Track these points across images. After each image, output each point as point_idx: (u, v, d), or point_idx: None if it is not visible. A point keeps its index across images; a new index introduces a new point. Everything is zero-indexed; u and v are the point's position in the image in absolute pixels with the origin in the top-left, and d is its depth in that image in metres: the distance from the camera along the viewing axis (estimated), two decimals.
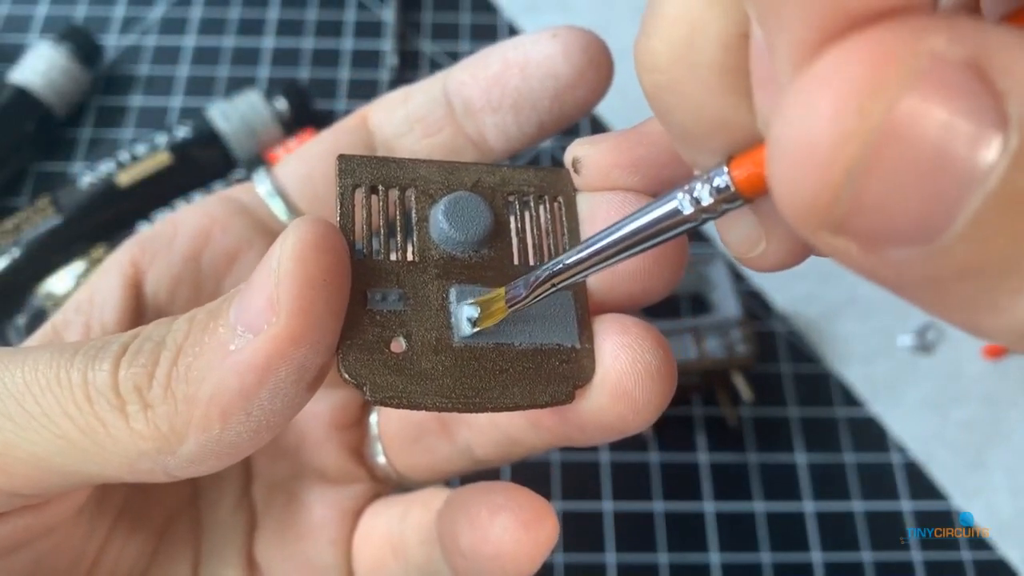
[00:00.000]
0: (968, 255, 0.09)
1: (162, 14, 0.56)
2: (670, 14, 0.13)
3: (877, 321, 0.47)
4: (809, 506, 0.42)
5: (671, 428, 0.43)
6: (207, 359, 0.15)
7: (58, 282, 0.43)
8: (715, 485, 0.42)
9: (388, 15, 0.56)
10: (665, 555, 0.40)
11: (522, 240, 0.18)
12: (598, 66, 0.20)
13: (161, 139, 0.47)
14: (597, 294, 0.18)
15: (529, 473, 0.42)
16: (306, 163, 0.23)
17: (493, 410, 0.17)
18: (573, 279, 0.16)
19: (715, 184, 0.13)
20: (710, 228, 0.49)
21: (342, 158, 0.18)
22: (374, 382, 0.16)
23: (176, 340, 0.16)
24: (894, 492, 0.42)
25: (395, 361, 0.16)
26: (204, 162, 0.48)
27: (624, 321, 0.18)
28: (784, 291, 0.47)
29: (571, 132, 0.49)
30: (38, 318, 0.42)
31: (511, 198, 0.19)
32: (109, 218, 0.46)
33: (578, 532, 0.40)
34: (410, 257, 0.17)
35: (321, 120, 0.51)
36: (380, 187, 0.18)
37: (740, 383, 0.42)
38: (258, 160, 0.48)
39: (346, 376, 0.16)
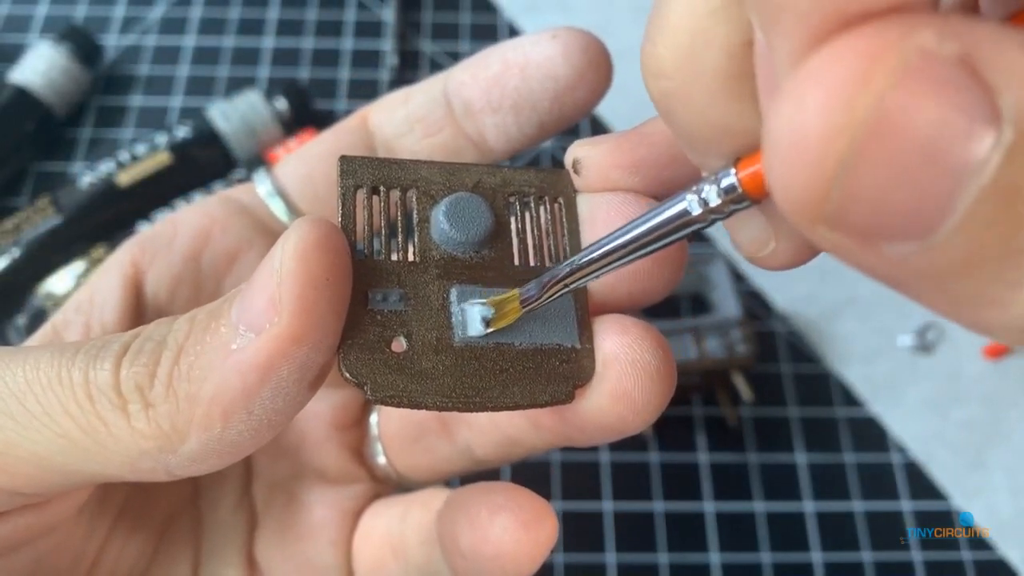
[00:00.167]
0: (965, 249, 0.09)
1: (162, 14, 0.56)
2: (674, 22, 0.13)
3: (877, 321, 0.47)
4: (809, 506, 0.42)
5: (671, 428, 0.43)
6: (209, 358, 0.15)
7: (58, 282, 0.43)
8: (715, 485, 0.42)
9: (388, 15, 0.56)
10: (665, 555, 0.40)
11: (522, 241, 0.19)
12: (598, 67, 0.20)
13: (161, 139, 0.48)
14: (597, 294, 0.18)
15: (529, 473, 0.42)
16: (306, 163, 0.23)
17: (493, 409, 0.17)
18: (585, 280, 0.16)
19: (723, 185, 0.13)
20: (710, 228, 0.49)
21: (344, 159, 0.18)
22: (375, 381, 0.16)
23: (177, 339, 0.16)
24: (894, 492, 0.42)
25: (396, 360, 0.16)
26: (204, 162, 0.48)
27: (624, 321, 0.18)
28: (784, 291, 0.47)
29: (571, 133, 0.49)
30: (38, 318, 0.42)
31: (512, 199, 0.19)
32: (109, 218, 0.46)
33: (578, 532, 0.40)
34: (411, 257, 0.18)
35: (321, 120, 0.51)
36: (381, 188, 0.18)
37: (740, 383, 0.42)
38: (258, 160, 0.48)
39: (347, 375, 0.16)
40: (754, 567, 0.40)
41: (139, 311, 0.22)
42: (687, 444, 0.43)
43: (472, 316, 0.17)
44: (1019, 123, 0.09)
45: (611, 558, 0.40)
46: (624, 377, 0.17)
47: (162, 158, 0.47)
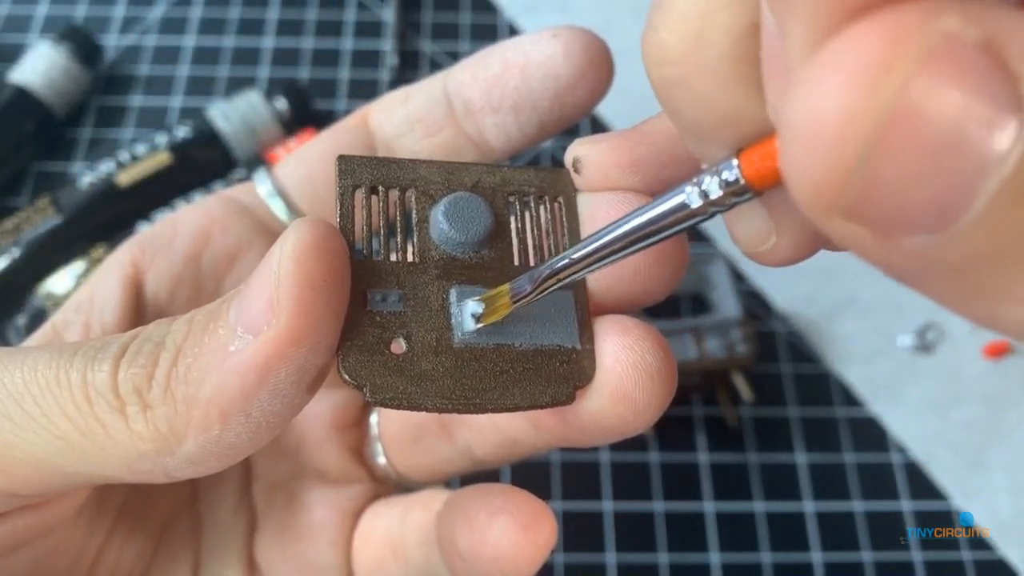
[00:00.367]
0: (984, 242, 0.09)
1: (162, 14, 0.56)
2: (680, 6, 0.12)
3: (877, 321, 0.47)
4: (809, 506, 0.42)
5: (671, 428, 0.43)
6: (207, 360, 0.15)
7: (58, 282, 0.43)
8: (715, 485, 0.42)
9: (388, 15, 0.56)
10: (665, 555, 0.40)
11: (522, 240, 0.18)
12: (598, 66, 0.20)
13: (161, 139, 0.47)
14: (597, 294, 0.18)
15: (529, 473, 0.42)
16: (306, 163, 0.23)
17: (493, 411, 0.17)
18: (579, 274, 0.16)
19: (724, 177, 0.13)
20: (711, 227, 0.49)
21: (342, 159, 0.18)
22: (374, 383, 0.16)
23: (175, 341, 0.16)
24: (894, 492, 0.42)
25: (395, 362, 0.16)
26: (204, 162, 0.48)
27: (625, 322, 0.17)
28: (784, 291, 0.47)
29: (571, 132, 0.49)
30: (38, 318, 0.42)
31: (511, 198, 0.19)
32: (109, 218, 0.46)
33: (578, 532, 0.40)
34: (410, 258, 0.17)
35: (321, 120, 0.51)
36: (380, 188, 0.18)
37: (740, 383, 0.42)
38: (258, 160, 0.48)
39: (346, 377, 0.16)
40: (754, 567, 0.40)
41: (139, 311, 0.21)
42: (687, 444, 0.43)
43: (461, 314, 0.17)
44: None
45: (611, 558, 0.40)
46: (625, 378, 0.17)
47: (162, 158, 0.47)
